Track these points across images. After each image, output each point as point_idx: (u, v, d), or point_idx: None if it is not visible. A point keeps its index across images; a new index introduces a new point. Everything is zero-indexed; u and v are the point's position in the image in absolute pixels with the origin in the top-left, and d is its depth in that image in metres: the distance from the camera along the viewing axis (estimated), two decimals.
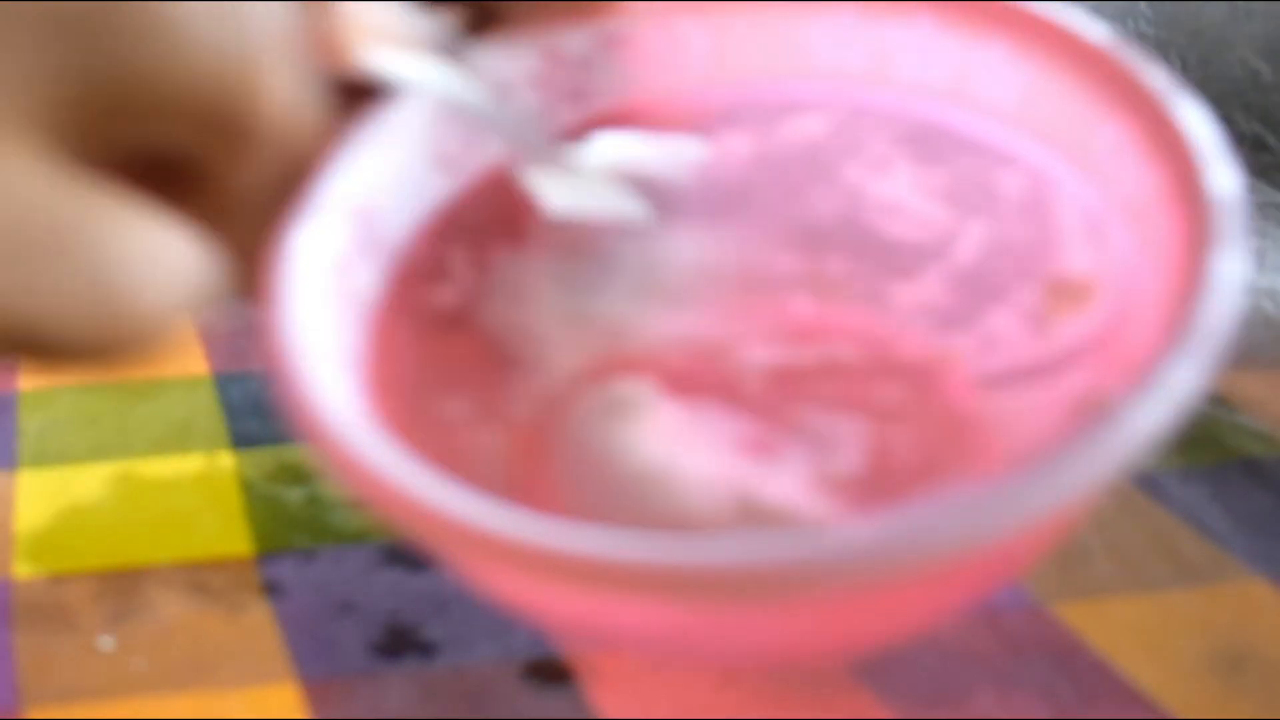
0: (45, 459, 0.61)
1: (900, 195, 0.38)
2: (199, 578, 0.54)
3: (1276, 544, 0.56)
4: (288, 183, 0.33)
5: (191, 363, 0.70)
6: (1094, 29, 0.34)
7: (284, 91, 0.31)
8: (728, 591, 0.27)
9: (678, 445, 0.36)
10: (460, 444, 0.36)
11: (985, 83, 0.35)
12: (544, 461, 0.37)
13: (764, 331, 0.39)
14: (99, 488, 0.59)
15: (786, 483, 0.35)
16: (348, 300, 0.34)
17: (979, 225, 0.37)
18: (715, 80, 0.38)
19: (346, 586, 0.53)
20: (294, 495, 0.59)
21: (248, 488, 0.59)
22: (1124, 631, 0.51)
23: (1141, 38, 0.73)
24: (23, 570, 0.54)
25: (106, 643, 0.50)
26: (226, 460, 0.61)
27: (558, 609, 0.31)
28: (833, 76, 0.37)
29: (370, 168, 0.35)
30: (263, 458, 0.62)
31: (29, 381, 0.67)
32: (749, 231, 0.39)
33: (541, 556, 0.28)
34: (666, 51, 0.38)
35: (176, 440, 0.63)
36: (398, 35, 0.35)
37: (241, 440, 0.63)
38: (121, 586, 0.53)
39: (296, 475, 0.60)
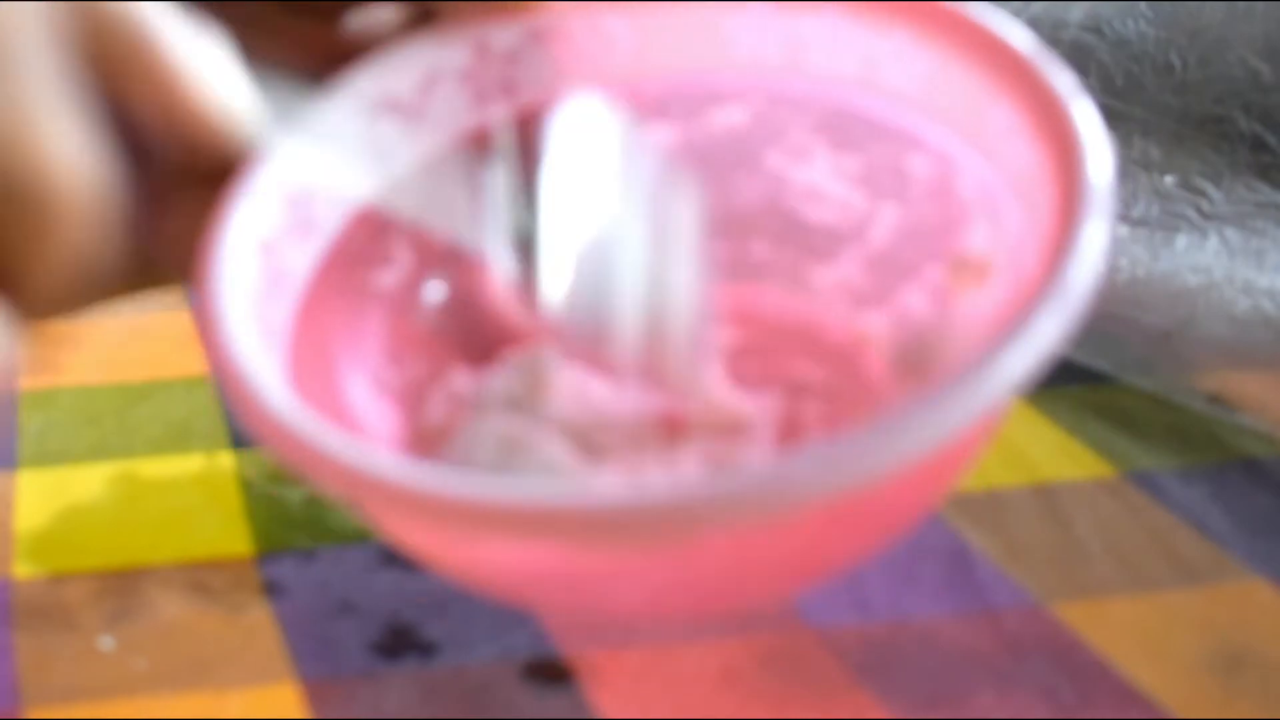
0: (45, 459, 0.61)
1: (819, 181, 0.39)
2: (199, 578, 0.53)
3: (1276, 544, 0.56)
4: (86, 247, 0.27)
5: (191, 362, 0.69)
6: (990, 16, 0.35)
7: (70, 140, 0.26)
8: (622, 532, 0.28)
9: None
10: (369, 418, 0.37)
11: (892, 70, 0.37)
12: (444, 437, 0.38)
13: None
14: (99, 487, 0.59)
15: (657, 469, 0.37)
16: (278, 278, 0.35)
17: (891, 208, 0.38)
18: (642, 73, 0.39)
19: (347, 586, 0.53)
20: (294, 495, 0.59)
21: (248, 487, 0.59)
22: (1124, 631, 0.51)
23: (1141, 37, 0.73)
24: (23, 570, 0.53)
25: (106, 643, 0.50)
26: (226, 460, 0.61)
27: (441, 553, 0.33)
28: (752, 67, 0.38)
29: (305, 155, 0.36)
30: (263, 457, 0.61)
31: (29, 381, 0.67)
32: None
33: (428, 502, 0.30)
34: (594, 45, 0.39)
35: (176, 440, 0.63)
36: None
37: (241, 440, 0.62)
38: (121, 586, 0.53)
39: (297, 475, 0.60)
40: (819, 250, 0.39)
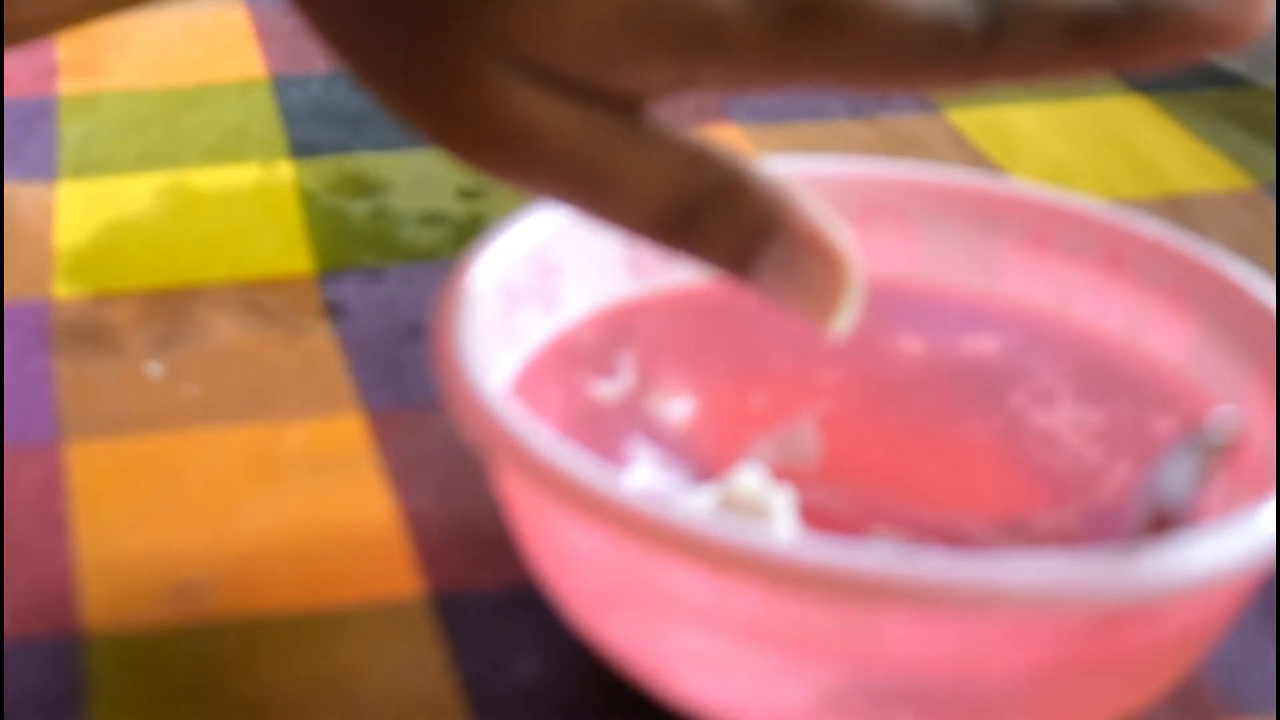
0: (88, 169, 0.58)
1: (1058, 429, 0.40)
2: (255, 298, 0.50)
3: None
4: None
5: (247, 64, 0.66)
6: (1258, 283, 0.37)
7: None
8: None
9: None
10: None
11: (1157, 331, 0.39)
12: None
13: (895, 517, 0.41)
14: (146, 200, 0.56)
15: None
16: (511, 332, 0.37)
17: (1125, 467, 0.39)
18: (908, 277, 0.41)
19: (415, 308, 0.50)
20: (358, 208, 0.55)
21: (308, 200, 0.56)
22: None
23: None
24: (63, 290, 0.50)
25: (154, 369, 0.47)
26: (285, 170, 0.58)
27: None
28: (1019, 304, 0.40)
29: (567, 243, 0.39)
30: (324, 167, 0.58)
31: (70, 85, 0.64)
32: (900, 431, 0.41)
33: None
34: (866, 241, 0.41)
35: (231, 148, 0.59)
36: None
37: (301, 148, 0.59)
38: (171, 308, 0.50)
39: (361, 186, 0.57)
40: (1043, 497, 0.40)
